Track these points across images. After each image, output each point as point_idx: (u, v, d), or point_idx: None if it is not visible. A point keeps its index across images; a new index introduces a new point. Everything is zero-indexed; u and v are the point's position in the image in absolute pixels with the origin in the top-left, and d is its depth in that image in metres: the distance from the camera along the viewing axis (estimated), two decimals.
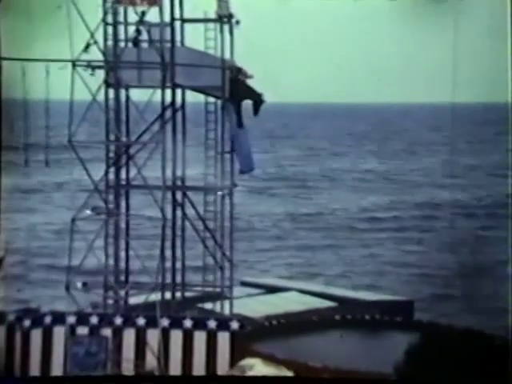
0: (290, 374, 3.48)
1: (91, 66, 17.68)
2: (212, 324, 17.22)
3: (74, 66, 17.54)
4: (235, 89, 18.42)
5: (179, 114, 18.90)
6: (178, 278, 19.16)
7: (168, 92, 18.42)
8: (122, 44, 18.21)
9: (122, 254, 18.76)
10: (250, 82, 18.63)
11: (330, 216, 43.97)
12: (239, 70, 18.42)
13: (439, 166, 59.08)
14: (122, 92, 18.40)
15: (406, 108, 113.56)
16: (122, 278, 18.79)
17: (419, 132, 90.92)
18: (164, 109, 18.33)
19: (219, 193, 19.01)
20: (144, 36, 18.06)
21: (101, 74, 18.00)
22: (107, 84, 18.19)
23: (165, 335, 17.13)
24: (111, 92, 18.29)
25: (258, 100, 18.68)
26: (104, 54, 17.96)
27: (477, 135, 72.10)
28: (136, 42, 18.00)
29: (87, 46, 17.66)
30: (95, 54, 17.86)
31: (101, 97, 18.11)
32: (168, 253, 18.65)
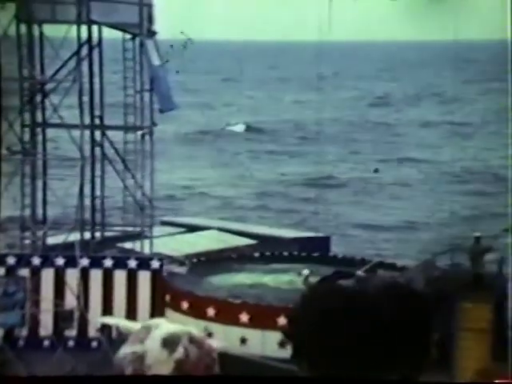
0: (196, 330, 3.48)
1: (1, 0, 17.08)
2: (132, 263, 17.15)
3: None
4: None
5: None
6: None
7: (84, 29, 17.97)
8: None
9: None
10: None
11: None
12: None
13: None
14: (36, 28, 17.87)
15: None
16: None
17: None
18: (80, 45, 17.89)
19: (139, 132, 18.79)
20: None
21: (12, 7, 17.40)
22: (18, 19, 17.63)
23: (84, 275, 17.02)
24: (23, 28, 17.75)
25: None
26: None
27: None
28: None
29: None
30: None
31: (12, 32, 17.55)
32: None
